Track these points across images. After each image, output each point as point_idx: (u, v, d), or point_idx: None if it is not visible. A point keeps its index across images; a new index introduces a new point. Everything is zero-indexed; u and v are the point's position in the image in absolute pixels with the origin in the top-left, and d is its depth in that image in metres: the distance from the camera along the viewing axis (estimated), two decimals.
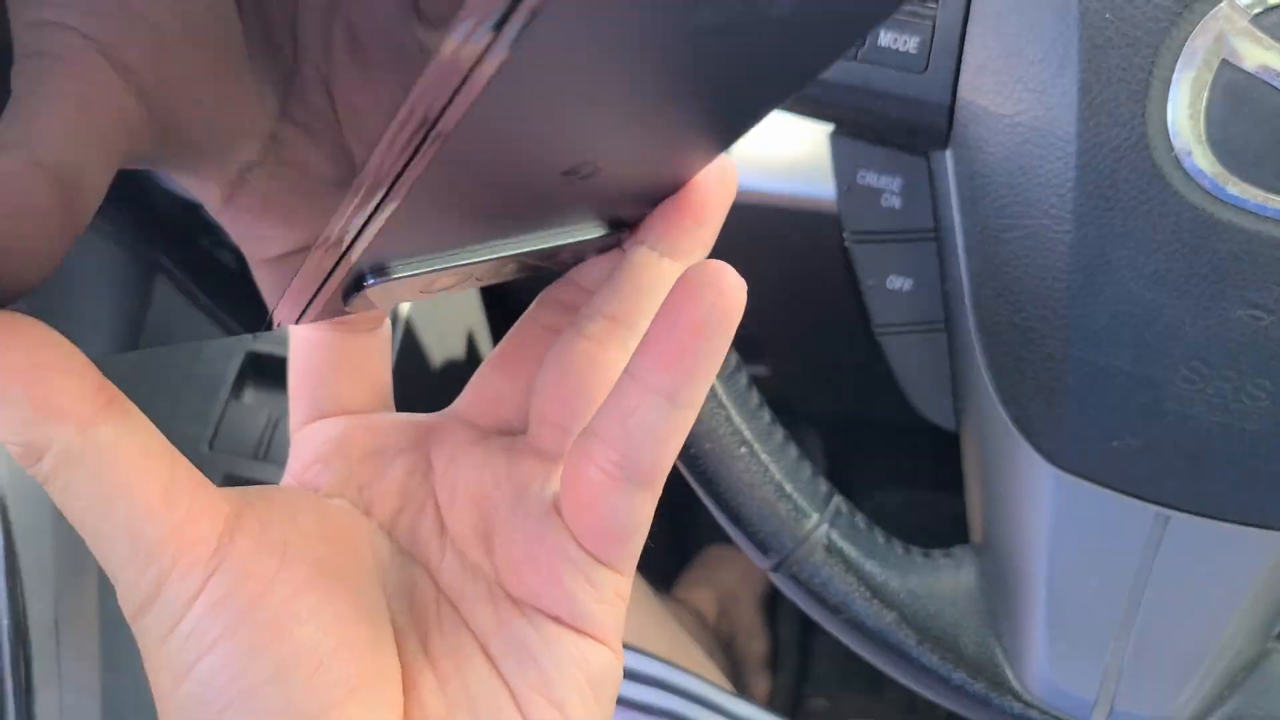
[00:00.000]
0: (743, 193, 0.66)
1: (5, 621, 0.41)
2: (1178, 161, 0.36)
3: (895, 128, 0.41)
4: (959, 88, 0.39)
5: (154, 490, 0.21)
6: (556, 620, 0.26)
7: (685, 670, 0.60)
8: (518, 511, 0.26)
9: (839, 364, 0.80)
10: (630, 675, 0.57)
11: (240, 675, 0.22)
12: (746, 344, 0.43)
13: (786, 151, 0.66)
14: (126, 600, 0.22)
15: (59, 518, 0.45)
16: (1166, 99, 0.36)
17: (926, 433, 0.91)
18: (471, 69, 0.16)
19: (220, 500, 0.23)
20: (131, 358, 0.60)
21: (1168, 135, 0.36)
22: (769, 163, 0.66)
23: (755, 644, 1.09)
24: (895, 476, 0.95)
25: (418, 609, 0.26)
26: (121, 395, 0.22)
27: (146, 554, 0.21)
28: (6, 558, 0.42)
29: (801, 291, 0.70)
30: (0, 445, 0.42)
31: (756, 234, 0.66)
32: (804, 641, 1.12)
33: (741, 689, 1.02)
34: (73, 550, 0.46)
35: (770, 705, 0.94)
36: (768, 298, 0.65)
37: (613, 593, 0.26)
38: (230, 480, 0.62)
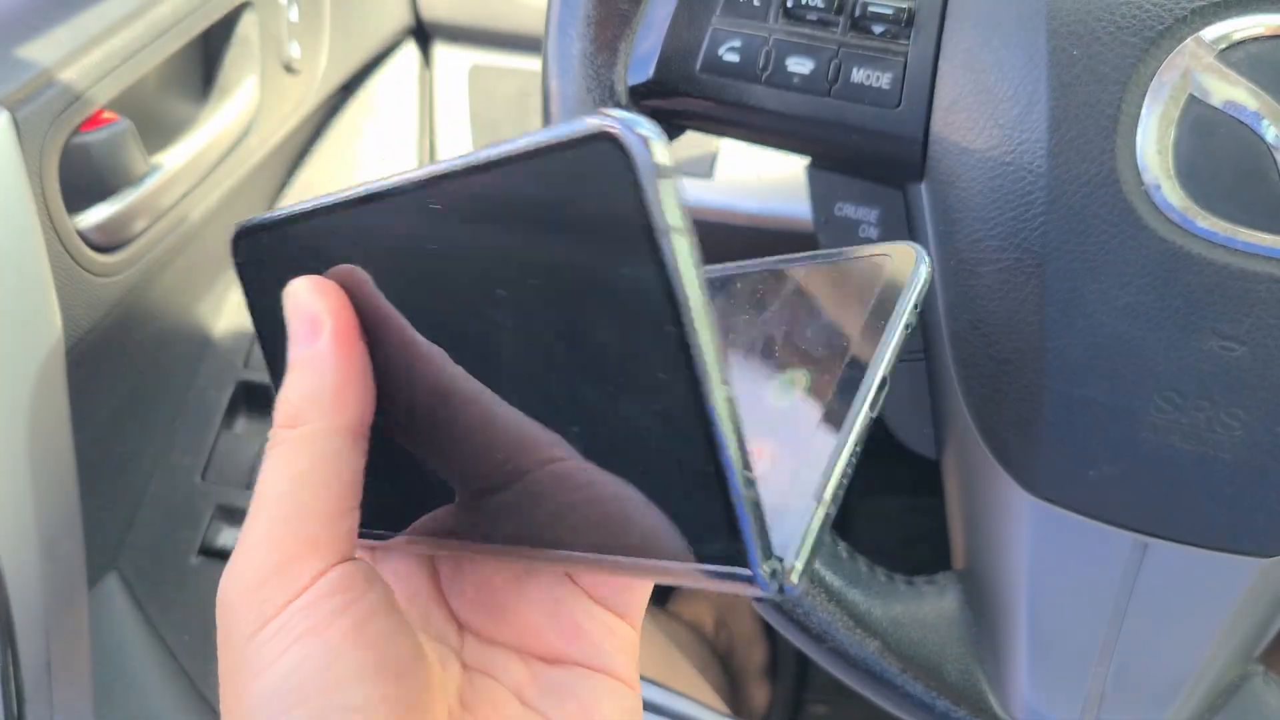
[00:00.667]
0: (728, 212, 0.67)
1: None
2: (1147, 195, 0.36)
3: (870, 161, 0.42)
4: (932, 123, 0.39)
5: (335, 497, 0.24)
6: (585, 666, 0.27)
7: (682, 695, 0.60)
8: (529, 585, 0.28)
9: None
10: None
11: (322, 670, 0.23)
12: None
13: (768, 173, 0.66)
14: (242, 577, 0.24)
15: (47, 560, 0.45)
16: (1135, 134, 0.36)
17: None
18: None
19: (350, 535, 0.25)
20: (123, 392, 0.61)
21: (1137, 169, 0.36)
22: (752, 184, 0.66)
23: (754, 653, 1.10)
24: (890, 484, 0.95)
25: (449, 673, 0.27)
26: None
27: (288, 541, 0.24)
28: None
29: None
30: None
31: (741, 253, 0.67)
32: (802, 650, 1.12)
33: (742, 698, 1.02)
34: (64, 592, 0.47)
35: (770, 713, 0.94)
36: None
37: (629, 641, 0.28)
38: (222, 511, 0.62)
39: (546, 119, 0.42)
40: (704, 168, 0.67)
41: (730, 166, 0.67)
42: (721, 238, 0.66)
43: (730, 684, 0.99)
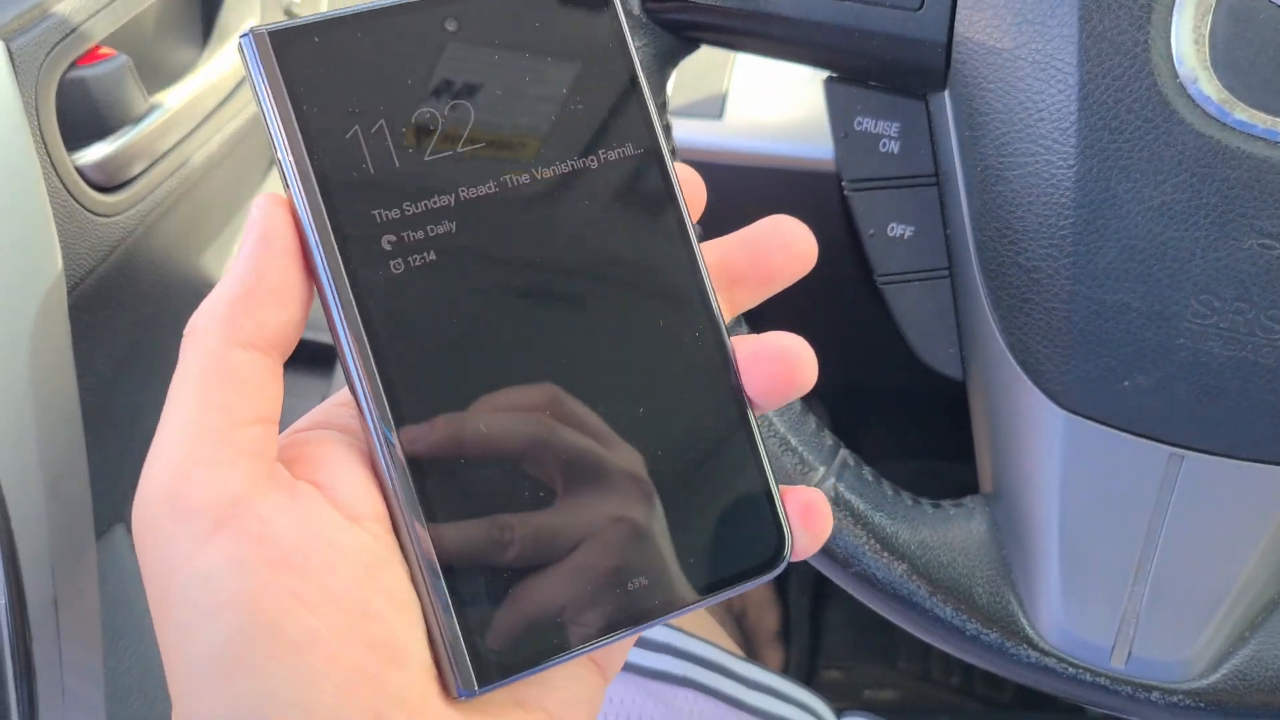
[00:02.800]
0: (738, 154, 0.65)
1: (3, 601, 0.41)
2: (1183, 88, 0.35)
3: (891, 70, 0.40)
4: (956, 25, 0.38)
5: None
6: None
7: (695, 636, 0.59)
8: None
9: (841, 332, 0.79)
10: (641, 643, 0.57)
11: (254, 640, 0.23)
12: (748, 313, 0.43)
13: (778, 114, 0.65)
14: (145, 499, 0.24)
15: (53, 500, 0.44)
16: (1169, 25, 0.35)
17: (931, 402, 0.90)
18: None
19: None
20: (125, 341, 0.60)
21: (1172, 61, 0.35)
22: (762, 125, 0.65)
23: (767, 617, 1.09)
24: (901, 448, 0.95)
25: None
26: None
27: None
28: (3, 538, 0.41)
29: None
30: None
31: (752, 195, 0.66)
32: (816, 614, 1.11)
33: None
34: (70, 533, 0.46)
35: (783, 677, 0.93)
36: None
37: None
38: None
39: None
40: (714, 109, 0.66)
41: (740, 107, 0.65)
42: (731, 179, 0.65)
43: (744, 646, 0.98)
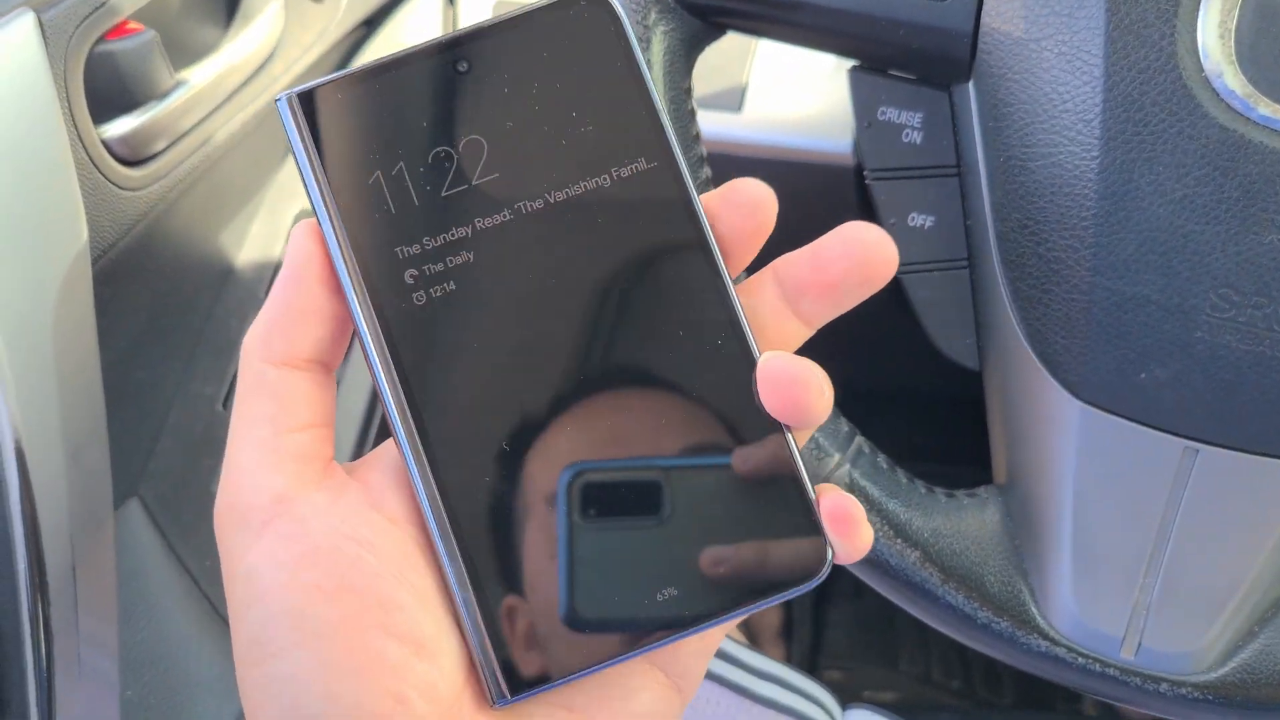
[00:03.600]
0: (756, 146, 0.66)
1: (23, 566, 0.41)
2: (1208, 82, 0.35)
3: (916, 59, 0.41)
4: (982, 15, 0.38)
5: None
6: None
7: None
8: None
9: (853, 331, 0.79)
10: None
11: (293, 629, 0.25)
12: None
13: (798, 108, 0.65)
14: (219, 506, 0.27)
15: (74, 467, 0.45)
16: (1196, 19, 0.35)
17: (940, 405, 0.90)
18: None
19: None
20: (144, 317, 0.60)
21: (1198, 55, 0.35)
22: (781, 118, 0.65)
23: (769, 615, 1.09)
24: (911, 450, 0.95)
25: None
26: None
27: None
28: (24, 505, 0.41)
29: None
30: (19, 399, 0.42)
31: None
32: (818, 613, 1.12)
33: None
34: (89, 502, 0.46)
35: (791, 668, 0.93)
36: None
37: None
38: None
39: None
40: (733, 102, 0.66)
41: (759, 101, 0.66)
42: (749, 173, 0.65)
43: (747, 643, 0.98)
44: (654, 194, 0.27)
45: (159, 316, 0.61)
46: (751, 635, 1.03)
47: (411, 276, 0.26)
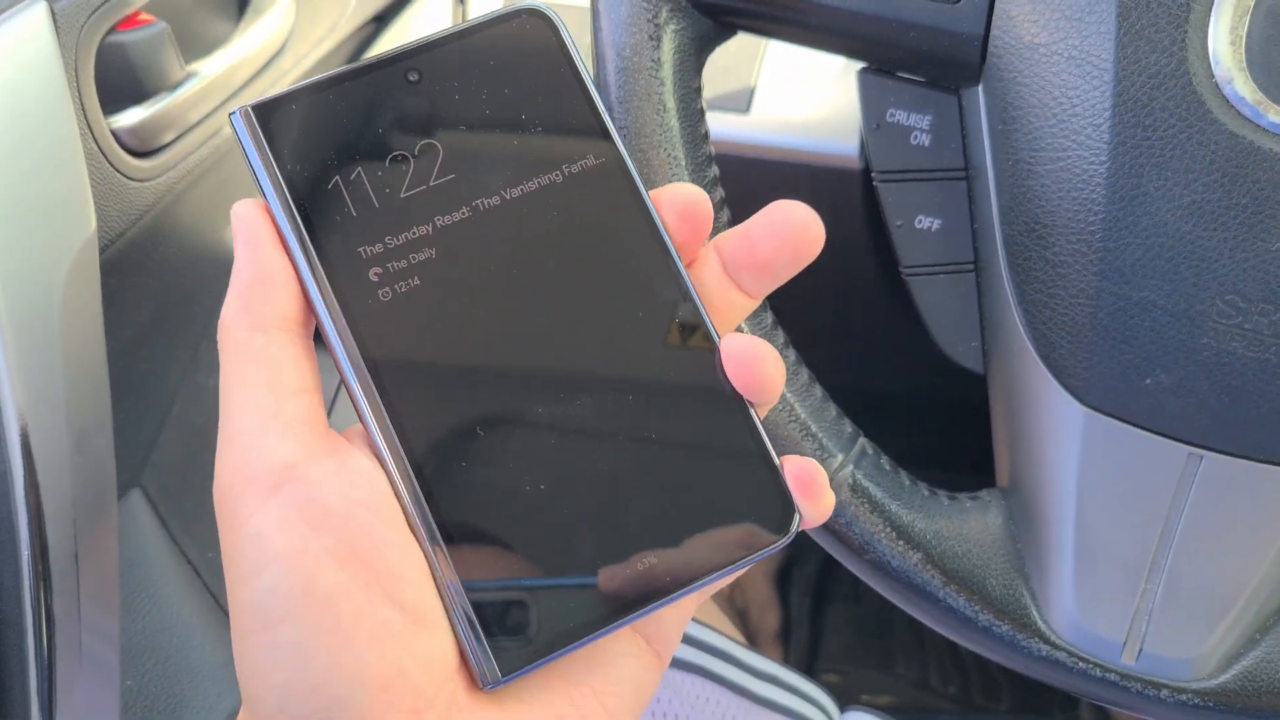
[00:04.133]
0: (764, 148, 0.66)
1: (26, 552, 0.41)
2: (1218, 88, 0.35)
3: (926, 62, 0.41)
4: (993, 18, 0.38)
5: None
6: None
7: (703, 623, 0.60)
8: None
9: (856, 335, 0.79)
10: None
11: (299, 593, 0.25)
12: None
13: (805, 110, 0.65)
14: (218, 475, 0.26)
15: (78, 453, 0.45)
16: (1207, 25, 0.35)
17: (943, 411, 0.90)
18: None
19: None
20: (149, 309, 0.60)
21: (1208, 61, 0.35)
22: (789, 120, 0.65)
23: (768, 617, 1.09)
24: (913, 455, 0.95)
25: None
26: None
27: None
28: (29, 490, 0.41)
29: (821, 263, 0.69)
30: (25, 385, 0.42)
31: (776, 189, 0.66)
32: (816, 616, 1.12)
33: None
34: (93, 489, 0.46)
35: (789, 669, 0.94)
36: None
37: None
38: None
39: (595, 8, 0.42)
40: (741, 103, 0.66)
41: (767, 103, 0.66)
42: (756, 174, 0.65)
43: (745, 643, 0.98)
44: (603, 186, 0.28)
45: (164, 308, 0.61)
46: (749, 637, 1.03)
47: (375, 274, 0.27)
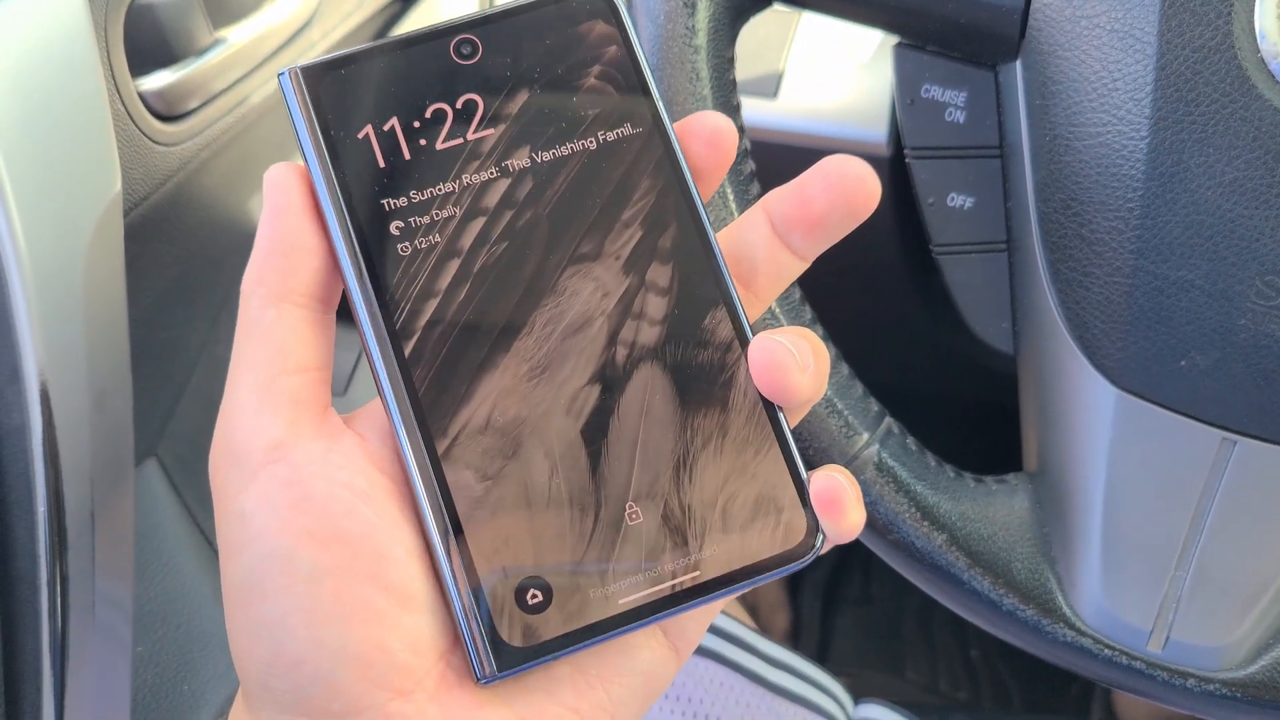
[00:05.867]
0: (792, 134, 0.65)
1: (42, 509, 0.41)
2: (1263, 64, 0.35)
3: (965, 35, 0.40)
4: None
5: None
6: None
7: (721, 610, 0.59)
8: None
9: (880, 328, 0.79)
10: None
11: (283, 570, 0.25)
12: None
13: (834, 95, 0.65)
14: (214, 446, 0.26)
15: (98, 413, 0.45)
16: (1254, 0, 0.35)
17: (965, 406, 0.89)
18: None
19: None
20: (170, 276, 0.60)
21: (1254, 36, 0.35)
22: (817, 106, 0.65)
23: (778, 618, 1.09)
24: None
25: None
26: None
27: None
28: (47, 446, 0.41)
29: (844, 260, 0.68)
30: (46, 343, 0.42)
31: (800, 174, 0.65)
32: (826, 619, 1.11)
33: None
34: (111, 449, 0.46)
35: (803, 658, 0.93)
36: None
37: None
38: None
39: None
40: (769, 88, 0.66)
41: (795, 88, 0.65)
42: (783, 159, 0.65)
43: (759, 629, 0.98)
44: (642, 159, 0.27)
45: (185, 277, 0.61)
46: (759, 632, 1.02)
47: (405, 249, 0.26)
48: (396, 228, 0.26)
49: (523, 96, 0.27)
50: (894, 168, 0.62)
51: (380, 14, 0.71)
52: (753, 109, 0.65)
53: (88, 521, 0.43)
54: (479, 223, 0.27)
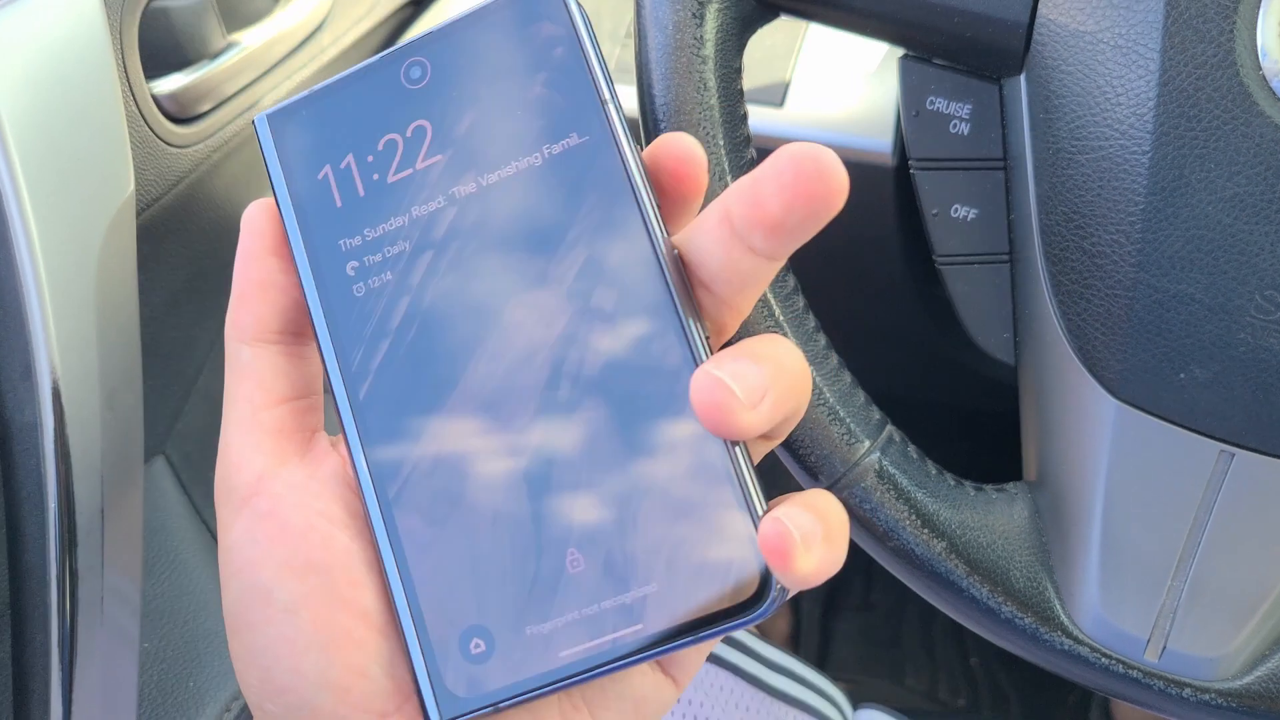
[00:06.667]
0: (793, 141, 0.66)
1: (53, 504, 0.41)
2: (1265, 81, 0.35)
3: (970, 48, 0.41)
4: (1038, 5, 0.38)
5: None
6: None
7: None
8: None
9: (883, 337, 0.79)
10: None
11: (260, 604, 0.26)
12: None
13: (840, 105, 0.65)
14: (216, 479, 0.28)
15: (108, 410, 0.45)
16: (1256, 17, 0.35)
17: (965, 418, 0.90)
18: None
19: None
20: (181, 277, 0.61)
21: (1256, 53, 0.35)
22: (823, 115, 0.65)
23: (778, 623, 1.09)
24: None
25: None
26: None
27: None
28: (58, 443, 0.42)
29: (846, 265, 0.69)
30: (58, 340, 0.42)
31: None
32: (826, 625, 1.11)
33: None
34: (121, 446, 0.46)
35: (803, 663, 0.93)
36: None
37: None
38: None
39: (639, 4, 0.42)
40: (776, 97, 0.66)
41: (802, 97, 0.66)
42: None
43: (759, 634, 0.98)
44: (592, 174, 0.25)
45: (195, 278, 0.61)
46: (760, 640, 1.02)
47: (360, 290, 0.27)
48: (351, 268, 0.27)
49: (472, 117, 0.26)
50: (898, 178, 0.62)
51: (392, 18, 0.71)
52: (759, 118, 0.65)
53: (97, 518, 0.43)
54: (427, 257, 0.26)
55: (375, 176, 0.27)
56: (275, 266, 0.27)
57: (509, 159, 0.26)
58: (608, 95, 0.26)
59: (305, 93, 0.28)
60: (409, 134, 0.27)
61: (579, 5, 0.26)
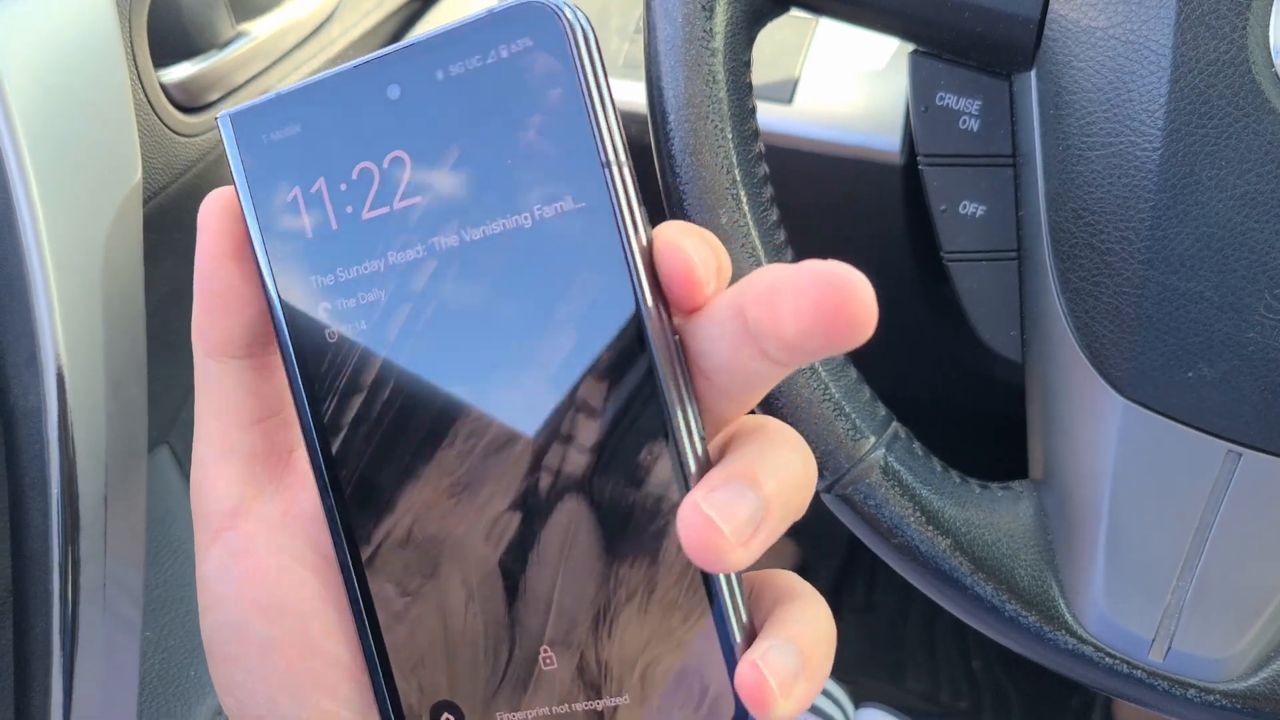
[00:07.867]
0: (806, 140, 0.65)
1: (56, 491, 0.41)
2: (1277, 78, 0.35)
3: (980, 44, 0.40)
4: (1051, 1, 0.38)
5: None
6: None
7: None
8: None
9: (889, 336, 0.79)
10: None
11: (234, 639, 0.26)
12: None
13: (849, 102, 0.65)
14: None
15: (113, 398, 0.45)
16: (1269, 14, 0.35)
17: (971, 415, 0.90)
18: None
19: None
20: (186, 267, 0.61)
21: (1269, 50, 0.35)
22: (832, 112, 0.65)
23: None
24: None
25: None
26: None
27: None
28: (62, 429, 0.42)
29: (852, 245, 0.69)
30: (64, 327, 0.42)
31: (815, 180, 0.66)
32: None
33: None
34: (125, 434, 0.46)
35: None
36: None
37: None
38: None
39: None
40: (784, 93, 0.66)
41: (810, 94, 0.65)
42: (798, 164, 0.65)
43: None
44: (586, 246, 0.23)
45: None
46: None
47: (325, 310, 0.25)
48: (324, 310, 0.25)
49: (455, 157, 0.24)
50: (906, 176, 0.62)
51: (401, 10, 0.71)
52: (768, 114, 0.65)
53: (100, 505, 0.43)
54: (404, 313, 0.24)
55: (349, 209, 0.25)
56: (236, 273, 0.26)
57: (495, 215, 0.23)
58: (611, 155, 0.22)
59: (274, 94, 0.26)
60: (385, 165, 0.24)
61: (585, 35, 0.23)
